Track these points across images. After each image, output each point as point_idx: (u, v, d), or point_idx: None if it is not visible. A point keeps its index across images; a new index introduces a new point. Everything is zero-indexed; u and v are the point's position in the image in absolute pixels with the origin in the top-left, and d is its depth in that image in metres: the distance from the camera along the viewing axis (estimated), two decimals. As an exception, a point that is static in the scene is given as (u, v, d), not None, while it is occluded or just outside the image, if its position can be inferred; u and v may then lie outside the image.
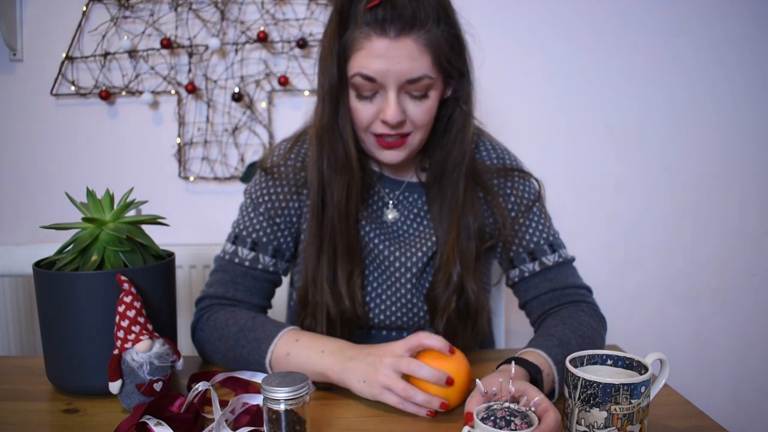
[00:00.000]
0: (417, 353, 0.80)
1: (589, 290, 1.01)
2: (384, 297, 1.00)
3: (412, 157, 0.99)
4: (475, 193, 0.99)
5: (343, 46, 0.87)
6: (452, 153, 0.96)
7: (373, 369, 0.78)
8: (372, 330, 1.03)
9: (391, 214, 1.02)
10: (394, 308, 1.00)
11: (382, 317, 1.00)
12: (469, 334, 0.98)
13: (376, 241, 1.00)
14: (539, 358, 0.81)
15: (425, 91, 0.88)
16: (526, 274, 1.00)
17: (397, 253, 1.00)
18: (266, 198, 1.02)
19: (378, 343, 0.84)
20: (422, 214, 1.02)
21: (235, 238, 1.02)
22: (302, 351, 0.85)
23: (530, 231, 1.01)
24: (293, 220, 1.02)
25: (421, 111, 0.90)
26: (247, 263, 1.00)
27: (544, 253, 1.00)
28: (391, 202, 1.03)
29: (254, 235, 1.01)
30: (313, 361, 0.83)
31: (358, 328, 1.00)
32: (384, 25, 0.83)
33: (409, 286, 1.00)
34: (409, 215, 1.02)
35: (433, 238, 1.00)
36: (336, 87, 0.89)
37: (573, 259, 1.03)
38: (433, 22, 0.85)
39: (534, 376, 0.78)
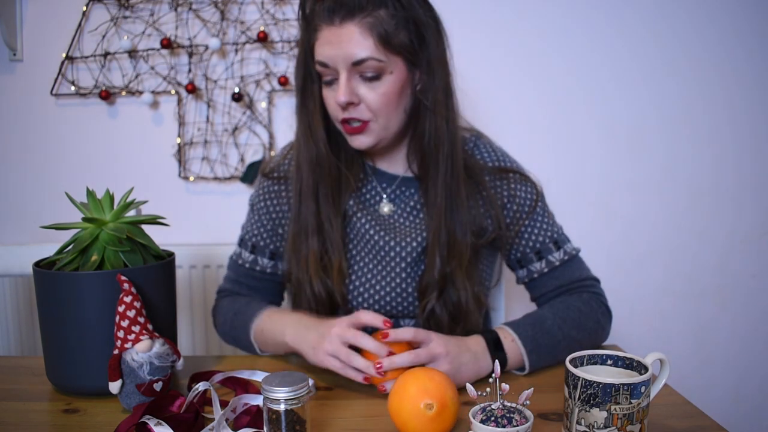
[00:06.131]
0: (372, 333, 0.87)
1: (595, 280, 1.05)
2: (374, 282, 1.01)
3: (387, 145, 1.00)
4: (469, 187, 1.01)
5: (309, 44, 0.95)
6: (425, 138, 0.97)
7: (322, 338, 0.85)
8: None
9: (386, 207, 1.04)
10: (383, 292, 1.01)
11: (371, 301, 1.01)
12: (460, 331, 0.97)
13: (372, 232, 1.02)
14: (503, 331, 0.91)
15: (376, 72, 0.92)
16: (535, 275, 1.04)
17: (392, 243, 1.01)
18: (263, 204, 1.09)
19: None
20: (418, 207, 1.04)
21: (240, 241, 1.12)
22: (272, 325, 0.95)
23: (535, 231, 1.04)
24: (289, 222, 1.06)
25: (375, 94, 0.92)
26: (247, 265, 1.09)
27: (549, 251, 1.03)
28: (385, 196, 1.05)
29: (253, 239, 1.09)
30: (278, 332, 0.93)
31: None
32: (331, 15, 0.91)
33: (404, 275, 1.00)
34: (406, 208, 1.04)
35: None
36: (306, 82, 0.98)
37: (578, 251, 1.05)
38: (377, 6, 0.90)
39: (493, 345, 0.88)
